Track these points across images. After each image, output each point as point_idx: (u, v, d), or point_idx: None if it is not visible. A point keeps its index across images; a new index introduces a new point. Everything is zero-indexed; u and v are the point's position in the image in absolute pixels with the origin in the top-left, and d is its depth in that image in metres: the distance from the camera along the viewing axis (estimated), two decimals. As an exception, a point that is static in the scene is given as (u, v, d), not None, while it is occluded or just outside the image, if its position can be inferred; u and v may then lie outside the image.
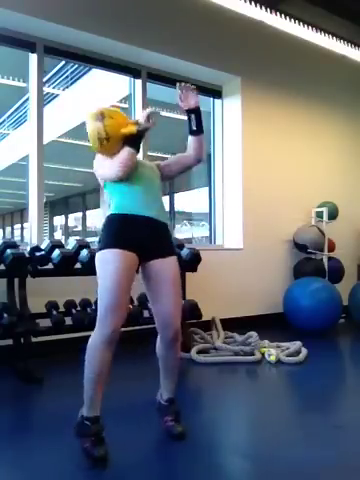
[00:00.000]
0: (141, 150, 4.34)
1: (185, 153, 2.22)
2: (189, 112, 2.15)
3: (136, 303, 3.60)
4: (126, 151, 1.97)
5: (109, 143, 1.97)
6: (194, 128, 2.15)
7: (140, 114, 2.06)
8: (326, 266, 5.09)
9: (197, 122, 2.14)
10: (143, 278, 2.08)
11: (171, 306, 2.03)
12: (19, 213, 15.28)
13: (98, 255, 1.97)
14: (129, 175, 2.00)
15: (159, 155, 8.63)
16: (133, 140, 1.98)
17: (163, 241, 2.07)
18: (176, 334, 2.06)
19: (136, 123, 1.99)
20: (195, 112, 2.14)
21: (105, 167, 2.02)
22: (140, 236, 1.98)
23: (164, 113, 6.25)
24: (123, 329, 1.97)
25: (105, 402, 1.98)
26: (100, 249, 1.97)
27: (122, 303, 1.91)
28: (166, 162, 2.25)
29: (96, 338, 1.90)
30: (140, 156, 4.29)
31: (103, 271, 1.92)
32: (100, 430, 1.92)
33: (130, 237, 1.96)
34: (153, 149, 4.68)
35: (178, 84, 2.13)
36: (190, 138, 2.18)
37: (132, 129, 1.96)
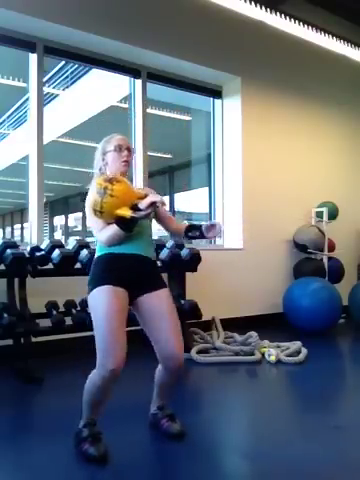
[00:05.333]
0: (141, 154, 4.42)
1: (175, 222, 2.21)
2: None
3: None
4: (113, 231, 1.90)
5: (102, 216, 1.89)
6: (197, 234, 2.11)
7: (146, 199, 1.90)
8: (326, 266, 5.09)
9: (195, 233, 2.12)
10: (137, 316, 2.05)
11: (173, 339, 1.97)
12: (19, 213, 15.26)
13: (89, 297, 1.94)
14: None
15: (158, 155, 8.63)
16: (125, 223, 1.90)
17: (151, 275, 2.05)
18: (180, 365, 2.00)
19: (134, 207, 1.89)
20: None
21: (97, 228, 1.97)
22: (128, 272, 1.96)
23: (163, 113, 6.24)
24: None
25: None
26: (90, 290, 1.94)
27: (119, 341, 1.86)
28: (165, 211, 2.20)
29: (97, 378, 1.86)
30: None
31: (96, 312, 1.90)
32: (96, 432, 1.93)
33: (118, 273, 1.94)
34: (150, 149, 4.69)
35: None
36: (185, 230, 2.13)
37: (126, 214, 1.88)
